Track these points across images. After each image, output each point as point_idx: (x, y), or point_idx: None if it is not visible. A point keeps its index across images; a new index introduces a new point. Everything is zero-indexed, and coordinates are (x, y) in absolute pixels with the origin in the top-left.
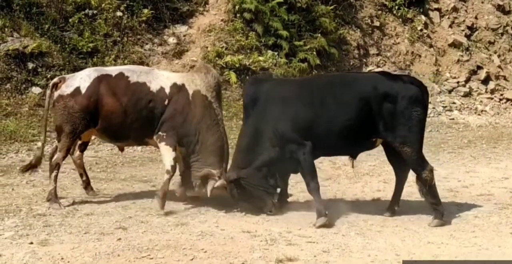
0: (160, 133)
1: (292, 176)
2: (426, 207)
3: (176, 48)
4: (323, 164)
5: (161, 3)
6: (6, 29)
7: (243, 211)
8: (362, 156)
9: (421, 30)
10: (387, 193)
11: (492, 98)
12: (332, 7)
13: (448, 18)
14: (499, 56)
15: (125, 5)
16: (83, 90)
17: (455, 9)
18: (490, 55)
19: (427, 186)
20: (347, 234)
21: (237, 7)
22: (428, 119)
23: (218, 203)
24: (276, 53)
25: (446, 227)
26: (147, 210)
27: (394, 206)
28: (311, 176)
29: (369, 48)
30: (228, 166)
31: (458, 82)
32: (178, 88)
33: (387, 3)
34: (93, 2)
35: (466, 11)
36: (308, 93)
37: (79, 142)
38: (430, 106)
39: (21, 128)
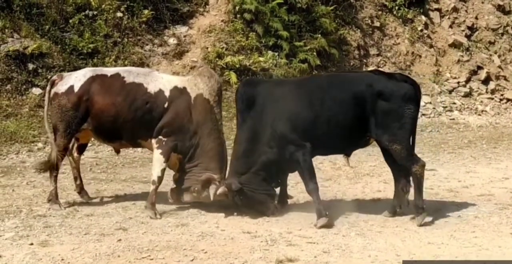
0: (160, 137)
1: (292, 176)
2: (426, 208)
3: (176, 49)
4: (323, 165)
5: (161, 3)
6: (6, 30)
7: (244, 214)
8: (362, 156)
9: (421, 30)
10: (388, 194)
11: (492, 98)
12: (332, 7)
13: (449, 18)
14: (499, 56)
15: (125, 6)
16: (76, 89)
17: (455, 9)
18: (491, 55)
19: (416, 181)
20: (348, 234)
21: (237, 7)
22: (428, 119)
23: (218, 204)
24: (276, 54)
25: (447, 227)
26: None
27: (396, 207)
28: (310, 177)
29: (370, 48)
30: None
31: (458, 82)
32: (179, 92)
33: (387, 3)
34: (93, 3)
35: (466, 11)
36: (306, 93)
37: (77, 144)
38: (430, 106)
39: (21, 129)
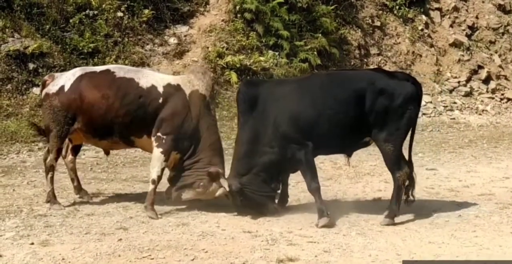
0: (159, 134)
1: (292, 176)
2: (426, 207)
3: (177, 49)
4: (324, 164)
5: (161, 3)
6: (7, 30)
7: (244, 214)
8: (363, 156)
9: (422, 30)
10: (388, 193)
11: (493, 98)
12: (332, 7)
13: (449, 17)
14: (500, 55)
15: (125, 5)
16: (66, 89)
17: (455, 9)
18: (491, 54)
19: (397, 187)
20: (348, 234)
21: (237, 7)
22: (429, 119)
23: (219, 203)
24: (277, 53)
25: (447, 226)
26: None
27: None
28: (311, 176)
29: (370, 48)
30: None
31: (459, 82)
32: (174, 88)
33: (387, 3)
34: (93, 2)
35: (467, 10)
36: (308, 92)
37: (71, 145)
38: (431, 105)
39: (22, 128)
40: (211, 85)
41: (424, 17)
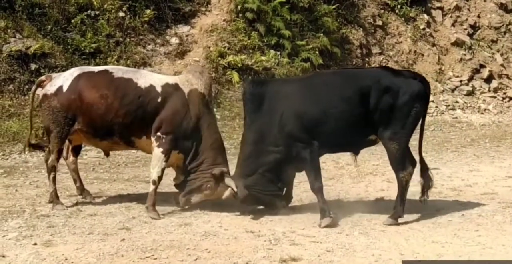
0: (159, 134)
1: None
2: (429, 206)
3: (178, 49)
4: (326, 164)
5: (163, 3)
6: (8, 30)
7: (247, 214)
8: (365, 155)
9: (423, 29)
10: (391, 193)
11: (495, 97)
12: (334, 6)
13: (451, 16)
14: (502, 54)
15: (127, 5)
16: (64, 89)
17: (457, 8)
18: (493, 53)
19: (401, 188)
20: (351, 233)
21: (239, 7)
22: (431, 118)
23: (221, 203)
24: (278, 53)
25: (450, 226)
26: None
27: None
28: (315, 176)
29: (372, 47)
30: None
31: (461, 81)
32: (172, 88)
33: (389, 2)
34: (95, 2)
35: (468, 9)
36: (313, 90)
37: (71, 146)
38: (433, 105)
39: (24, 129)
40: (210, 84)
41: (425, 16)
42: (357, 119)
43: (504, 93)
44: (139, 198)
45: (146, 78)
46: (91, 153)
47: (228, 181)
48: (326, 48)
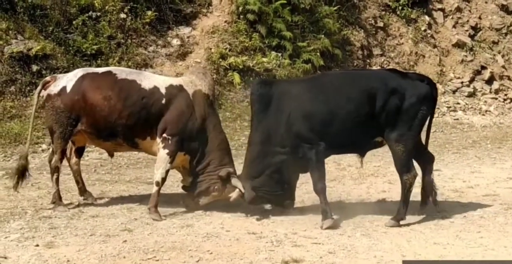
0: (165, 135)
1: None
2: (432, 208)
3: (179, 50)
4: (328, 165)
5: (164, 5)
6: (10, 32)
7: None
8: (367, 156)
9: (424, 30)
10: (392, 194)
11: (496, 98)
12: (335, 8)
13: (452, 18)
14: (503, 56)
15: (128, 7)
16: (68, 89)
17: (458, 9)
18: (494, 55)
19: (404, 190)
20: (353, 235)
21: (240, 8)
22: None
23: (223, 204)
24: (279, 54)
25: (452, 227)
26: None
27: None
28: (319, 177)
29: (373, 48)
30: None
31: (462, 83)
32: (176, 89)
33: (390, 3)
34: (96, 4)
35: (469, 11)
36: (321, 91)
37: (74, 147)
38: None
39: (25, 130)
40: (213, 85)
41: (427, 18)
42: (364, 120)
43: (505, 95)
44: (141, 199)
45: (150, 80)
46: (92, 155)
47: (235, 181)
48: (327, 50)
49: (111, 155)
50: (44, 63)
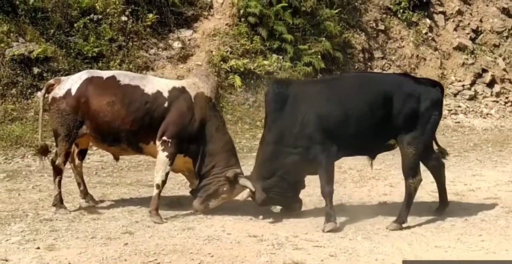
0: (164, 138)
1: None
2: (432, 211)
3: (181, 53)
4: None
5: (165, 7)
6: (11, 34)
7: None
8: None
9: (426, 33)
10: (394, 197)
11: (497, 101)
12: (336, 11)
13: (453, 21)
14: (504, 59)
15: (130, 9)
16: (73, 92)
17: (459, 12)
18: (495, 58)
19: (408, 194)
20: (354, 238)
21: (241, 11)
22: None
23: (224, 207)
24: (280, 57)
25: (453, 230)
26: None
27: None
28: (328, 180)
29: (374, 51)
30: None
31: (463, 86)
32: (179, 91)
33: (391, 6)
34: (98, 7)
35: (471, 14)
36: (336, 93)
37: (77, 150)
38: None
39: (26, 133)
40: (216, 87)
41: (428, 21)
42: (379, 123)
43: (507, 98)
44: (142, 202)
45: (153, 84)
46: (93, 157)
47: (243, 181)
48: (328, 53)
49: (116, 158)
50: (45, 65)
